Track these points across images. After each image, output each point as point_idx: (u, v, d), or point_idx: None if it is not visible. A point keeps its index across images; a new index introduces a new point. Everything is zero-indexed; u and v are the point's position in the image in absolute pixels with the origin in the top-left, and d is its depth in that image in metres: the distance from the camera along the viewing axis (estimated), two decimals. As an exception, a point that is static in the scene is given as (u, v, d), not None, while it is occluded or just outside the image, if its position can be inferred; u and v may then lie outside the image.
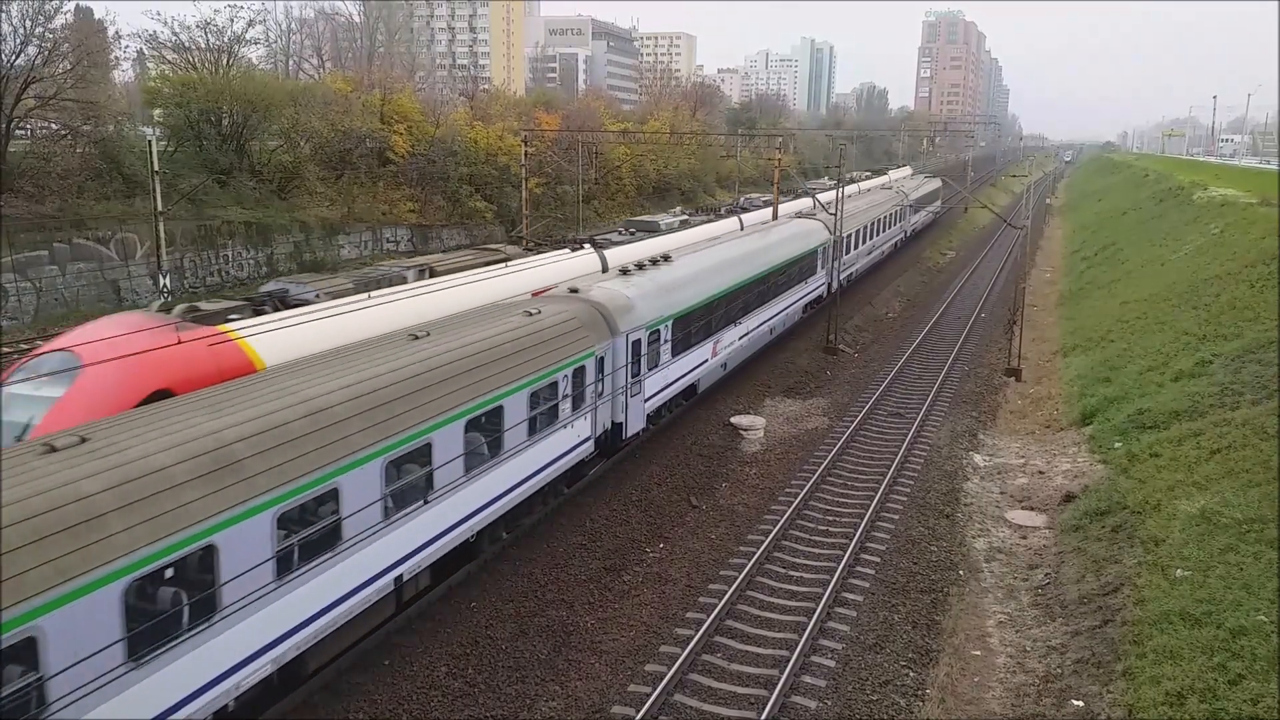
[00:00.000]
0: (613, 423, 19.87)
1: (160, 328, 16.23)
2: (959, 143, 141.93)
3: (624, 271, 22.45)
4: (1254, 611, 13.04)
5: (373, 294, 20.64)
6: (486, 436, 15.00)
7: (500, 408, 15.12)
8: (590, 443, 18.85)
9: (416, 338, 15.31)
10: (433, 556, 13.99)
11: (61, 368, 15.03)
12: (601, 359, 18.80)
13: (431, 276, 23.51)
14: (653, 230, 36.93)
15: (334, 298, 20.18)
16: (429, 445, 13.37)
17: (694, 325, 23.81)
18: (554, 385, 16.82)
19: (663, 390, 22.20)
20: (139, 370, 15.02)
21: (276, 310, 18.81)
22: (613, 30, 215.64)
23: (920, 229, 69.32)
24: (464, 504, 14.56)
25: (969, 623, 15.97)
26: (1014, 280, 42.12)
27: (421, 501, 13.47)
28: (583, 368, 17.93)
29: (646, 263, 23.71)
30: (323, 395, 12.35)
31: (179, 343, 15.42)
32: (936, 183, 79.49)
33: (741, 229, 40.09)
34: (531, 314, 17.60)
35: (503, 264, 26.05)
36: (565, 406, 17.31)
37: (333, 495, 11.69)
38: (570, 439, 17.89)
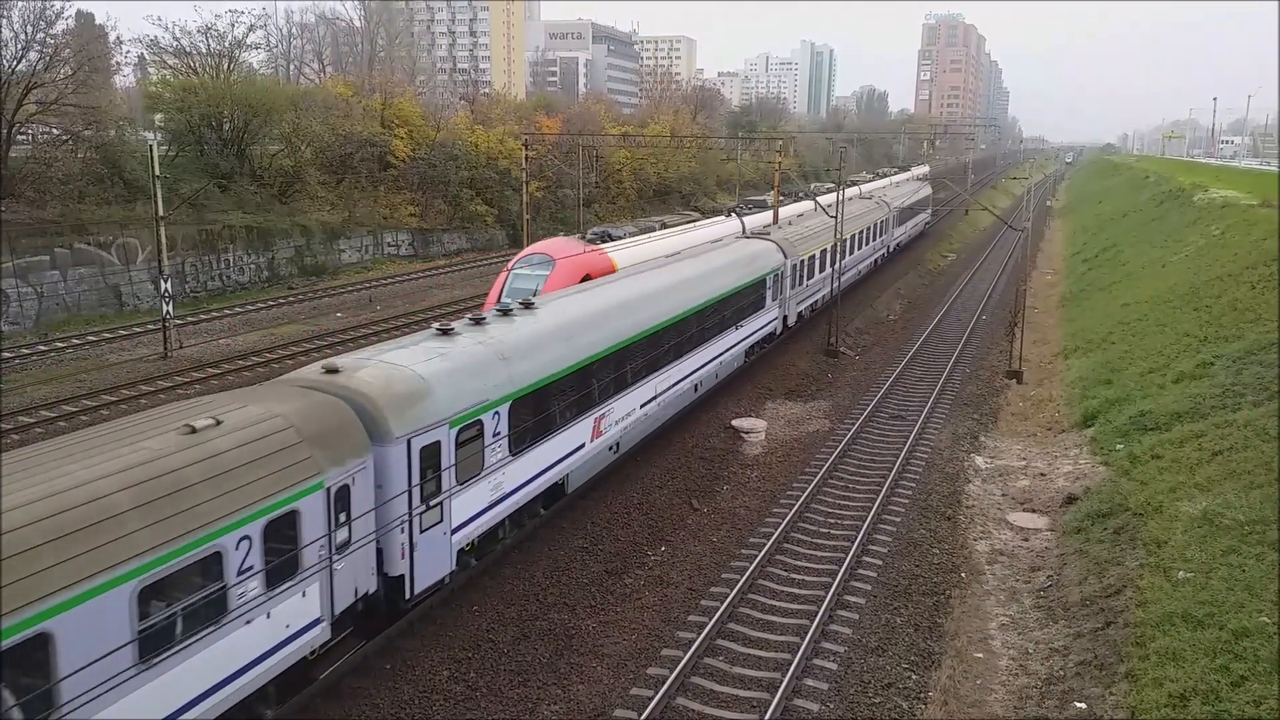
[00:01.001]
0: (386, 577, 13.08)
1: (580, 242, 30.52)
2: (959, 145, 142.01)
3: (445, 331, 15.76)
4: (1256, 613, 13.03)
5: (649, 234, 34.31)
6: (16, 695, 8.11)
7: (43, 637, 8.18)
8: (321, 628, 11.78)
9: None
10: None
11: (540, 261, 28.62)
12: (344, 489, 11.76)
13: (665, 228, 36.37)
14: (764, 206, 45.75)
15: (631, 236, 33.58)
16: None
17: (558, 401, 17.12)
18: (215, 559, 9.98)
19: (491, 508, 15.23)
20: (580, 264, 28.30)
21: (610, 241, 31.75)
22: (613, 34, 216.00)
23: (906, 243, 61.93)
24: None
25: (971, 625, 15.96)
26: (1015, 282, 42.12)
27: None
28: (292, 514, 10.94)
29: (491, 315, 17.47)
30: None
31: (596, 251, 29.69)
32: (926, 189, 72.25)
33: (815, 211, 42.18)
34: (196, 430, 10.53)
35: (694, 223, 39.58)
36: (248, 587, 10.41)
37: None
38: (260, 639, 10.77)
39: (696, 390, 25.02)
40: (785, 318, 32.56)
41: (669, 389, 22.61)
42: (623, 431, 20.33)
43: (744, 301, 27.86)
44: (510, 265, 29.77)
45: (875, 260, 50.83)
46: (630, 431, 20.80)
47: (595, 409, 18.71)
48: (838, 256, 36.90)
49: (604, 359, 18.82)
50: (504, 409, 15.23)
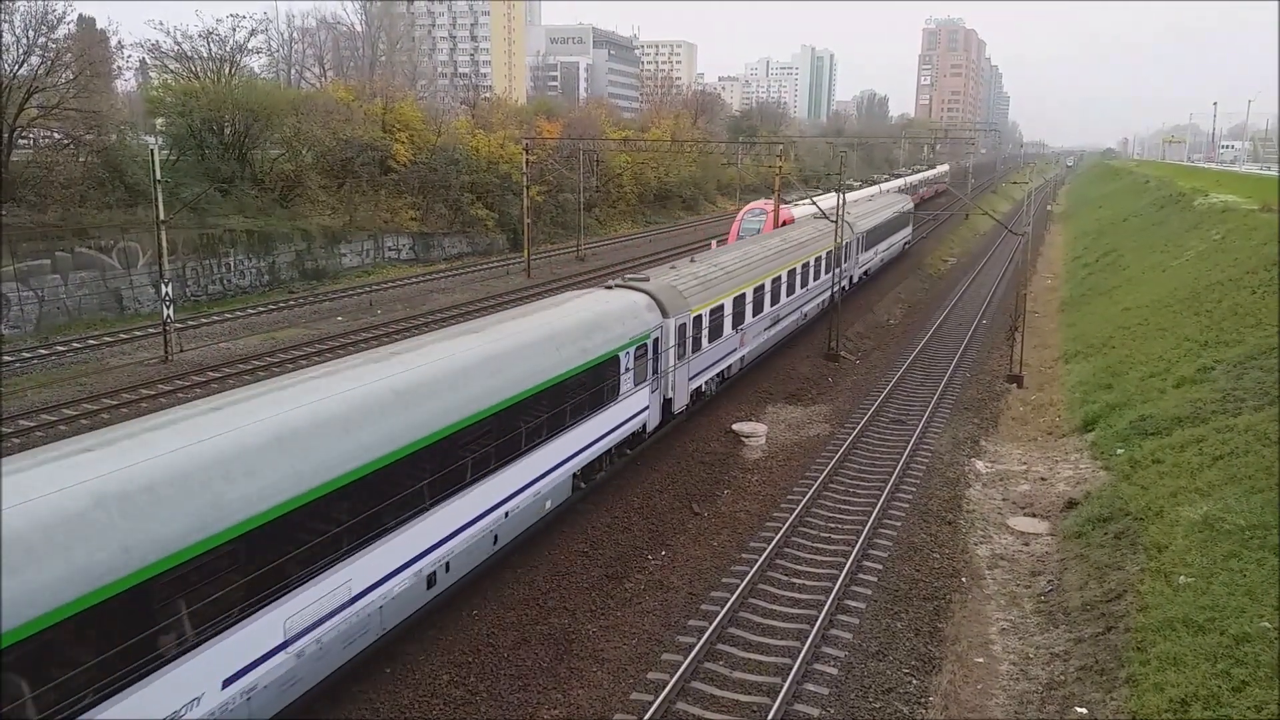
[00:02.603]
0: None
1: (775, 201, 48.32)
2: (960, 150, 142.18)
3: None
4: (1257, 618, 13.01)
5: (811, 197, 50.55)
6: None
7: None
8: None
9: None
10: None
11: (759, 212, 48.15)
12: None
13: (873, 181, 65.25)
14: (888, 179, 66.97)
15: (797, 201, 50.13)
16: None
17: None
18: None
19: None
20: (781, 214, 46.64)
21: (787, 203, 49.32)
22: (614, 39, 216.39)
23: (877, 269, 50.77)
24: None
25: (972, 630, 15.94)
26: (1015, 287, 42.11)
27: None
28: None
29: None
30: None
31: (787, 206, 49.50)
32: (904, 202, 60.27)
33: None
34: None
35: (868, 184, 62.42)
36: None
37: None
38: None
39: (450, 568, 14.41)
40: (668, 401, 22.80)
41: (357, 597, 12.24)
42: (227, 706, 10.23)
43: (571, 398, 17.63)
44: (740, 215, 49.19)
45: (825, 302, 38.09)
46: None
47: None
48: (792, 285, 31.53)
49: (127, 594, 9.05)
50: None
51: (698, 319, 24.13)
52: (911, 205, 63.05)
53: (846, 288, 42.47)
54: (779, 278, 31.44)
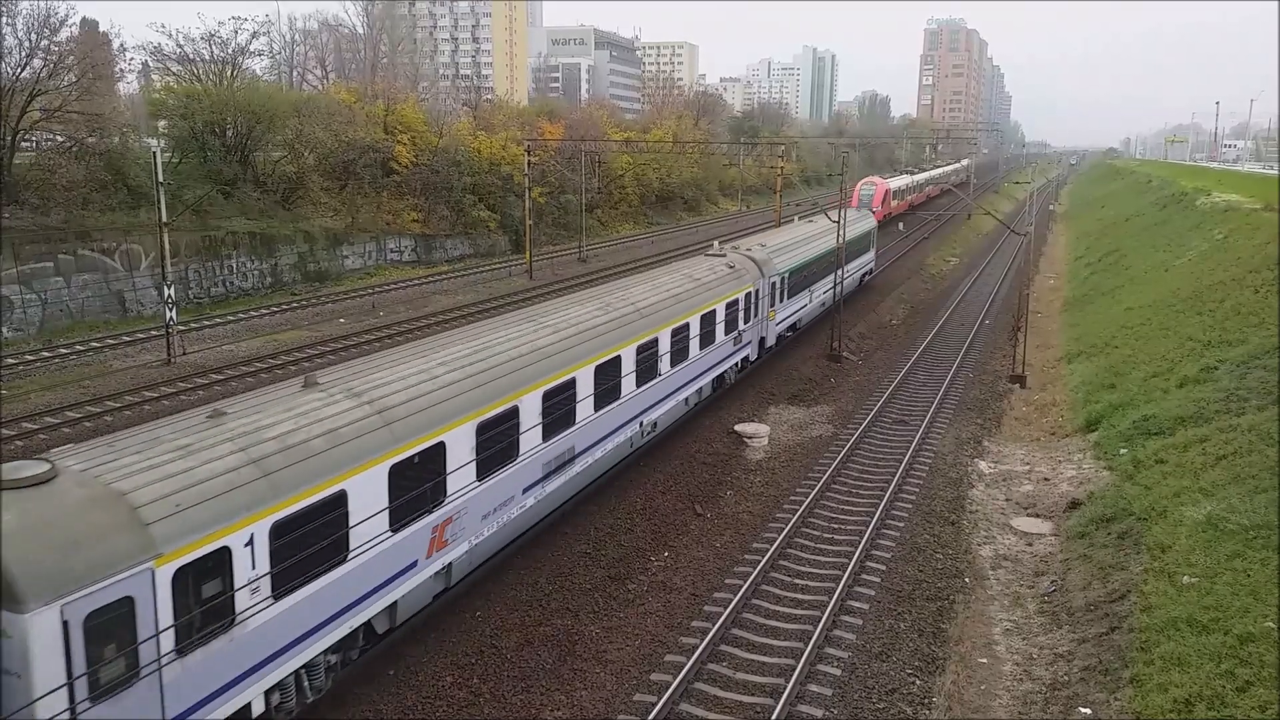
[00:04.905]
0: None
1: (880, 177, 78.62)
2: (961, 150, 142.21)
3: None
4: (1261, 618, 13.00)
5: (900, 174, 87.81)
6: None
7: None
8: None
9: None
10: None
11: (870, 183, 73.43)
12: None
13: (924, 170, 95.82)
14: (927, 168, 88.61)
15: (894, 176, 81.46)
16: None
17: None
18: None
19: None
20: (884, 187, 73.29)
21: (883, 178, 78.73)
22: (615, 40, 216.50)
23: (811, 320, 35.82)
24: None
25: (975, 630, 15.93)
26: (1017, 287, 42.08)
27: None
28: None
29: None
30: None
31: (886, 181, 77.34)
32: (864, 221, 45.60)
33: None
34: None
35: (915, 173, 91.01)
36: None
37: None
38: None
39: None
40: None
41: None
42: None
43: None
44: (856, 187, 65.55)
45: (696, 395, 24.96)
46: None
47: None
48: (615, 387, 18.82)
49: None
50: None
51: (185, 572, 9.59)
52: (874, 224, 48.62)
53: (753, 358, 29.26)
54: (570, 382, 17.26)
